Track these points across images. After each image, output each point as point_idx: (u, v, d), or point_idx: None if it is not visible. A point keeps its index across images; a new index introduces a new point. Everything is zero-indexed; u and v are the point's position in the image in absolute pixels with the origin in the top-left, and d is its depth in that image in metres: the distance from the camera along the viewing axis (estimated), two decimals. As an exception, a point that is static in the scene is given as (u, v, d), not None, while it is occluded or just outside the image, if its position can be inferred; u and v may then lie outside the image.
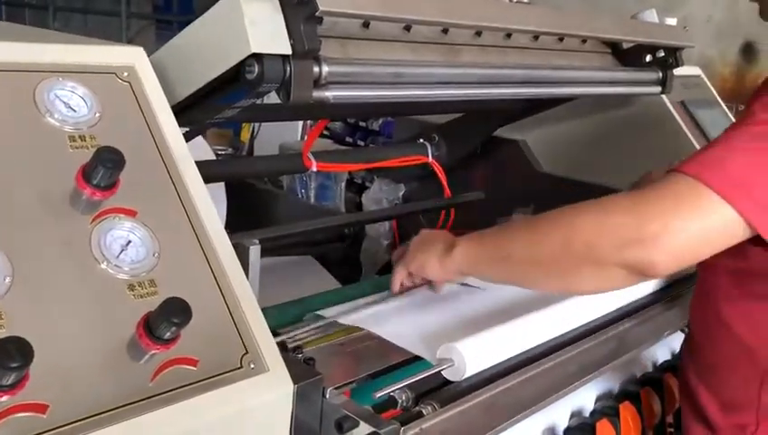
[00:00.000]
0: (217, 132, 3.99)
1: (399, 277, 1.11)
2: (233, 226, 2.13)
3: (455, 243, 1.01)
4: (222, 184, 2.16)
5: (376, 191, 2.13)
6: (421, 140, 1.97)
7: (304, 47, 0.89)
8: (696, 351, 1.09)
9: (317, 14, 0.88)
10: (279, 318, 1.03)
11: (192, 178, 0.85)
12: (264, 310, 1.01)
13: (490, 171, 1.95)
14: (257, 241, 0.88)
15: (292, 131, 3.65)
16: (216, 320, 0.78)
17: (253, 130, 3.99)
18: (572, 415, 1.21)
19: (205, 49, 0.94)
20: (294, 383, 0.78)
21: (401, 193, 2.13)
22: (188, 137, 1.07)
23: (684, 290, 1.28)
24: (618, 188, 1.69)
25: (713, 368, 1.06)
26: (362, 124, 3.63)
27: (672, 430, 1.36)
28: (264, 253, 1.96)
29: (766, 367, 0.99)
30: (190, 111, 1.03)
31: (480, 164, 1.96)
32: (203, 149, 2.21)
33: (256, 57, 0.89)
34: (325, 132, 3.79)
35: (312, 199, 2.37)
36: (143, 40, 5.07)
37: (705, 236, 0.83)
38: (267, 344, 0.79)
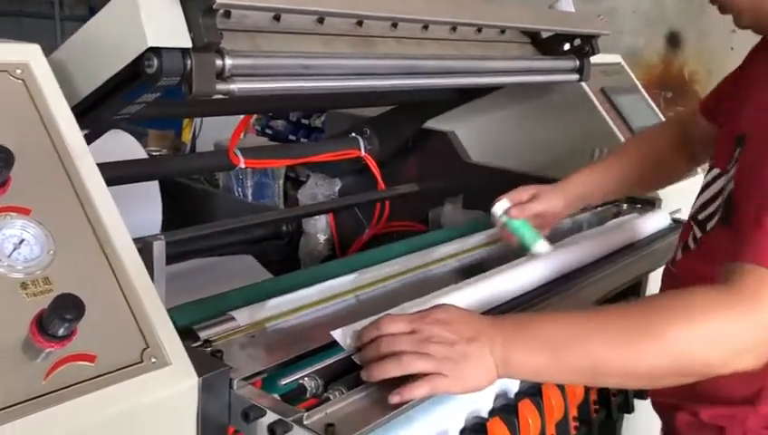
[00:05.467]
0: (158, 134, 3.93)
1: (418, 393, 0.85)
2: (169, 226, 2.12)
3: (505, 352, 0.87)
4: (156, 184, 2.14)
5: (311, 187, 2.13)
6: (353, 135, 1.98)
7: (204, 40, 0.89)
8: None
9: (214, 6, 0.88)
10: (197, 313, 1.03)
11: (91, 175, 0.84)
12: (181, 306, 1.02)
13: (421, 163, 1.97)
14: (162, 237, 0.88)
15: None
16: (115, 315, 0.77)
17: (194, 130, 3.94)
18: (497, 397, 1.24)
19: (103, 45, 0.93)
20: (199, 376, 0.78)
21: (337, 188, 2.14)
22: (92, 137, 1.06)
23: (585, 279, 1.31)
24: (544, 177, 1.74)
25: None
26: (304, 122, 3.62)
27: (597, 407, 1.40)
28: (201, 252, 1.96)
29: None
30: (96, 109, 1.01)
31: (412, 156, 1.99)
32: (134, 149, 2.18)
33: (155, 51, 0.89)
34: (268, 131, 3.78)
35: (250, 198, 2.36)
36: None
37: None
38: (169, 338, 0.79)
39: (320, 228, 2.13)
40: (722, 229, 1.03)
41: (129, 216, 2.12)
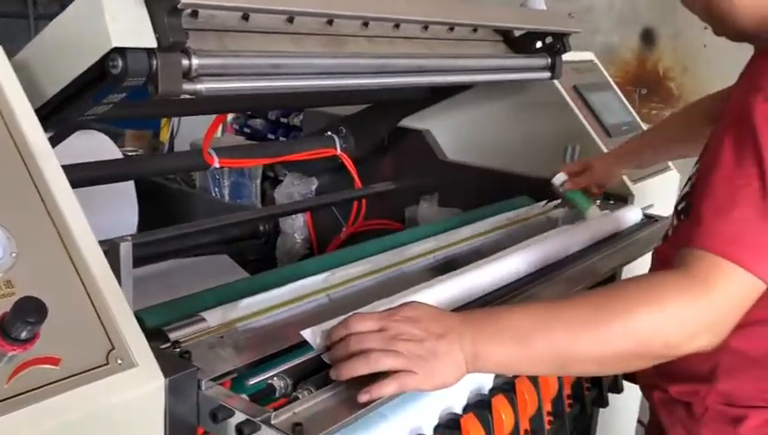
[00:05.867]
0: (136, 134, 3.90)
1: (387, 391, 0.84)
2: (146, 227, 2.11)
3: (475, 346, 0.87)
4: (131, 185, 2.12)
5: (288, 186, 2.13)
6: (329, 133, 1.98)
7: (169, 40, 0.89)
8: None
9: (179, 6, 0.88)
10: (168, 315, 1.02)
11: (55, 176, 0.83)
12: (152, 307, 1.02)
13: (397, 161, 1.98)
14: (129, 238, 0.88)
15: (213, 130, 3.58)
16: (79, 317, 0.77)
17: (172, 130, 3.91)
18: (470, 393, 1.24)
19: (68, 46, 0.92)
20: (166, 377, 0.78)
21: (314, 187, 2.14)
22: (59, 138, 1.05)
23: (558, 274, 1.33)
24: (518, 173, 1.75)
25: None
26: (283, 121, 3.60)
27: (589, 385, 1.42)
28: (178, 253, 1.95)
29: (720, 351, 0.98)
30: (63, 110, 1.01)
31: (388, 154, 1.99)
32: (109, 150, 2.16)
33: (120, 52, 0.88)
34: (246, 130, 3.76)
35: (227, 198, 2.35)
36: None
37: (747, 305, 0.89)
38: (136, 340, 0.78)
39: (297, 228, 2.12)
40: (689, 219, 1.07)
41: (105, 217, 2.10)
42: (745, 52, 1.11)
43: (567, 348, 0.87)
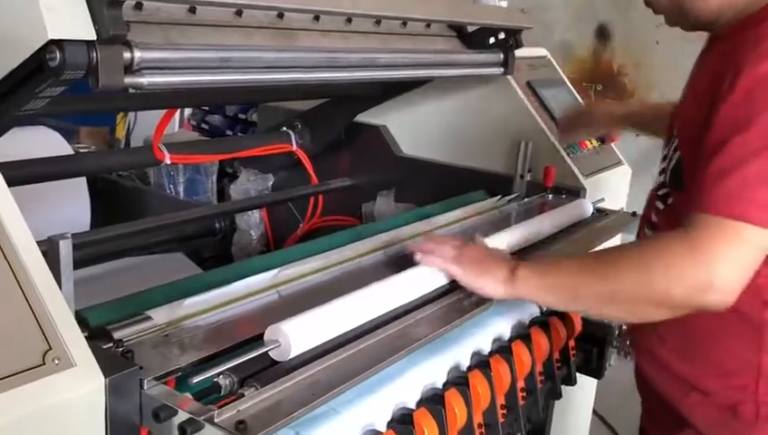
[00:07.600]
0: (91, 130, 3.82)
1: (437, 264, 1.12)
2: (100, 225, 2.07)
3: (517, 269, 1.08)
4: (83, 182, 2.07)
5: (244, 182, 2.11)
6: (285, 129, 1.97)
7: (109, 32, 0.87)
8: (676, 324, 1.06)
9: (119, -3, 0.86)
10: (114, 313, 1.00)
11: (-12, 172, 0.81)
12: (97, 306, 0.99)
13: (354, 157, 1.97)
14: (68, 235, 0.85)
15: (170, 124, 3.53)
16: (13, 318, 0.74)
17: (129, 126, 3.83)
18: (424, 388, 1.24)
19: (3, 38, 0.89)
20: (106, 377, 0.76)
21: (270, 183, 2.12)
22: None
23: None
24: (473, 168, 1.76)
25: (702, 338, 1.12)
26: (241, 117, 3.56)
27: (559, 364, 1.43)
28: (133, 251, 1.91)
29: (761, 328, 1.06)
30: (1, 105, 0.98)
31: (344, 150, 1.99)
32: (59, 146, 2.11)
33: (57, 44, 0.86)
34: (204, 126, 3.71)
35: (182, 194, 2.31)
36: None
37: (755, 262, 0.94)
38: (74, 339, 0.77)
39: (253, 224, 2.11)
40: (677, 196, 1.14)
41: (56, 215, 2.04)
42: (696, 46, 1.16)
43: (579, 283, 1.03)
